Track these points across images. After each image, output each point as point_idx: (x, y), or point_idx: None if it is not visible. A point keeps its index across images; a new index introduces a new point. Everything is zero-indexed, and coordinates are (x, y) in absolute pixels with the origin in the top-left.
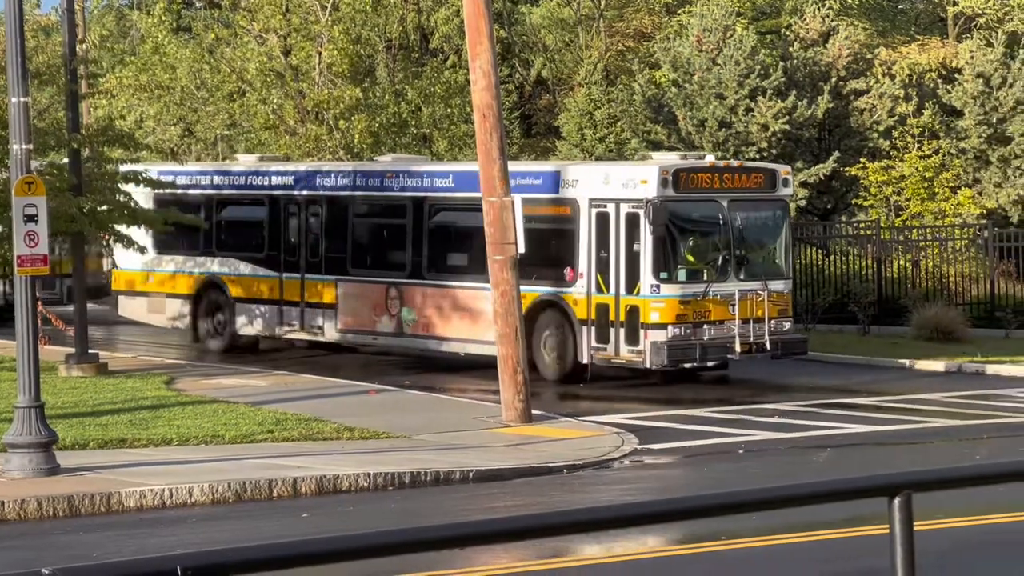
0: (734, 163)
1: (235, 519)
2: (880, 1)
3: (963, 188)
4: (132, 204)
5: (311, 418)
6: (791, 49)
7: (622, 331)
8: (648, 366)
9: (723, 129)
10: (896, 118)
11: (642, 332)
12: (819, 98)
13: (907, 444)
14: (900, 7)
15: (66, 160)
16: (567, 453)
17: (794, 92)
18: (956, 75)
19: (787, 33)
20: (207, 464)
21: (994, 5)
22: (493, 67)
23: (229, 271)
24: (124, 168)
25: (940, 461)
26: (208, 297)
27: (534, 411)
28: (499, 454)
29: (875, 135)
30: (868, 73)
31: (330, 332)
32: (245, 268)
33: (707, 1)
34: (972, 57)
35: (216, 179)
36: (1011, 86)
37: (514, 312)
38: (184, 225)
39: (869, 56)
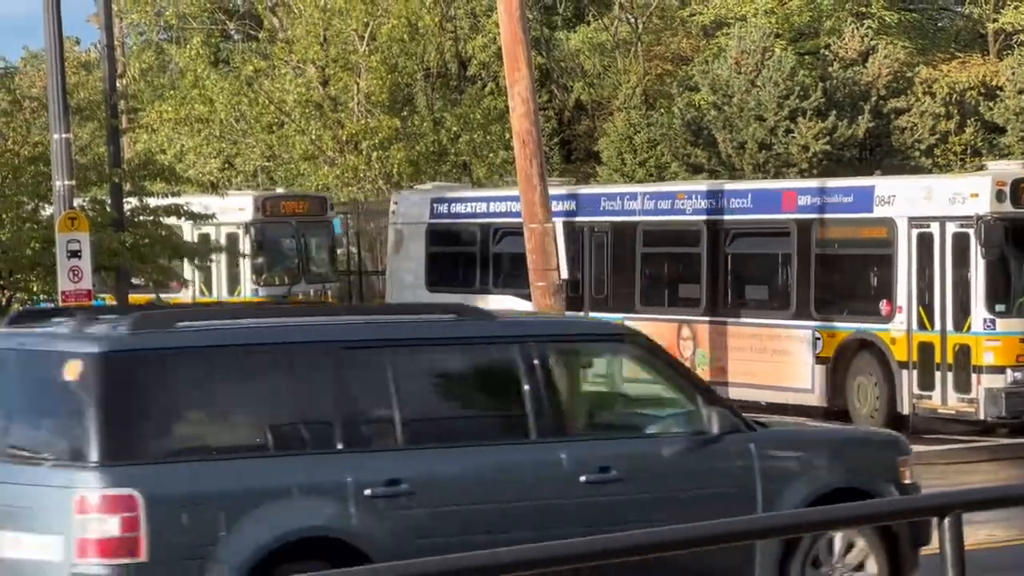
0: None
1: None
2: (919, 19)
3: None
4: (174, 237)
5: None
6: (830, 69)
7: (950, 375)
8: (982, 417)
9: (763, 151)
10: (938, 136)
11: (974, 377)
12: (860, 118)
13: None
14: (940, 25)
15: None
16: None
17: (834, 112)
18: (998, 92)
19: (826, 53)
20: None
21: None
22: (532, 93)
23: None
24: (166, 201)
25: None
26: None
27: None
28: None
29: (917, 153)
30: (908, 91)
31: None
32: (524, 306)
33: (745, 23)
34: (1013, 73)
35: (493, 206)
36: None
37: None
38: (456, 256)
39: (909, 74)
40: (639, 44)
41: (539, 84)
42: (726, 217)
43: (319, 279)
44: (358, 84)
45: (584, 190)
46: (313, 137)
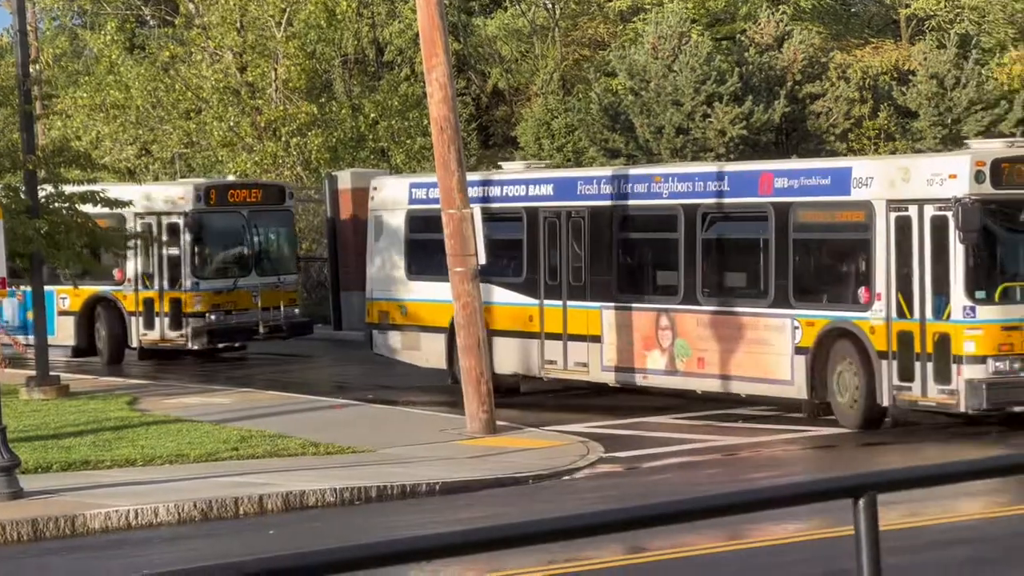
0: None
1: (202, 538)
2: (833, 5)
3: None
4: (91, 225)
5: (276, 435)
6: (746, 54)
7: (930, 366)
8: (963, 409)
9: (681, 136)
10: (852, 121)
11: (954, 367)
12: (775, 102)
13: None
14: (853, 10)
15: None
16: (533, 463)
17: (750, 97)
18: (910, 77)
19: (742, 38)
20: (172, 484)
21: (945, 7)
22: (449, 79)
23: (486, 299)
24: (80, 188)
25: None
26: None
27: (499, 422)
28: (465, 466)
29: (832, 138)
30: (823, 76)
31: (595, 370)
32: (502, 295)
33: (662, 8)
34: (925, 59)
35: (471, 191)
36: (964, 87)
37: (476, 323)
38: (438, 244)
39: (824, 59)
40: (556, 30)
41: (457, 70)
42: (703, 201)
43: (274, 271)
44: (275, 70)
45: (561, 174)
46: (231, 124)
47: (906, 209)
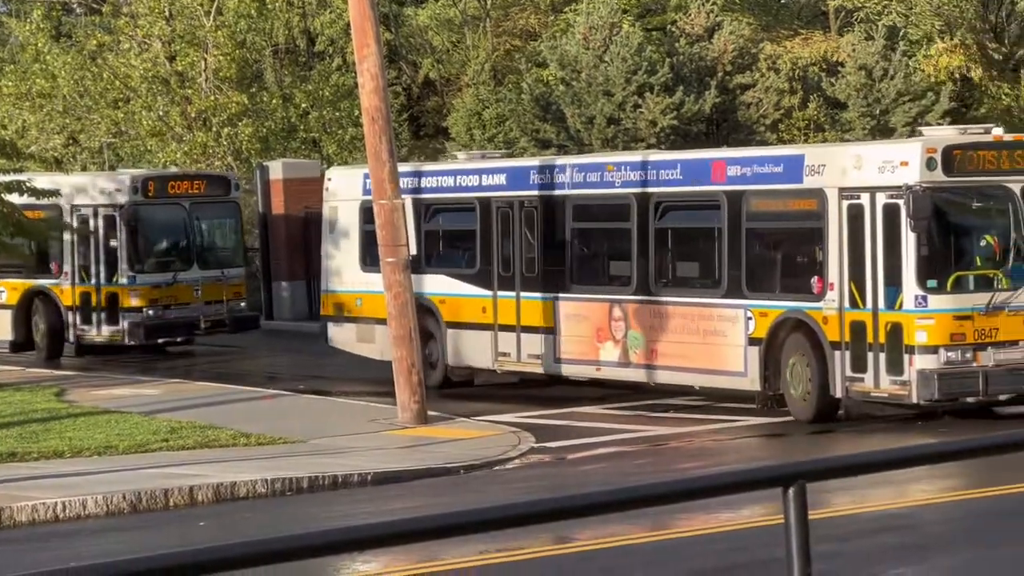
0: None
1: (131, 530)
2: None
3: None
4: (17, 215)
5: (206, 425)
6: (677, 45)
7: (882, 356)
8: (915, 400)
9: (612, 126)
10: (782, 111)
11: (906, 357)
12: (706, 93)
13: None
14: (782, 2)
15: None
16: (464, 453)
17: (681, 88)
18: (839, 68)
19: (673, 29)
20: (101, 475)
21: None
22: (381, 70)
23: (439, 291)
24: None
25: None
26: (419, 323)
27: (431, 412)
28: (396, 456)
29: (762, 128)
30: (753, 67)
31: (548, 362)
32: (456, 286)
33: None
34: (854, 50)
35: (425, 181)
36: (892, 78)
37: (407, 314)
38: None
39: (754, 50)
40: (487, 20)
41: (388, 60)
42: (656, 189)
43: (218, 265)
44: (205, 60)
45: (514, 163)
46: (160, 113)
47: (858, 197)
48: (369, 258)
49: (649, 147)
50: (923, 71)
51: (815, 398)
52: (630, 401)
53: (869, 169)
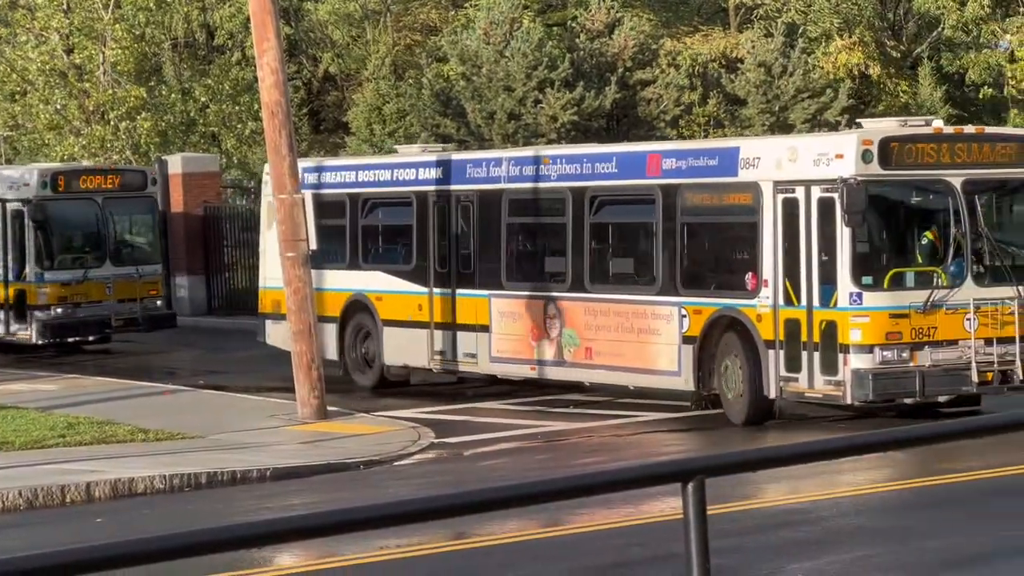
0: (969, 129)
1: (27, 526)
2: None
3: None
4: None
5: (104, 421)
6: (578, 41)
7: (816, 356)
8: (849, 401)
9: (512, 121)
10: (682, 107)
11: (840, 357)
12: (607, 89)
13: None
14: None
15: None
16: (363, 449)
17: (582, 83)
18: (738, 65)
19: (573, 25)
20: None
21: None
22: (281, 64)
23: (376, 288)
24: None
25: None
26: (355, 321)
27: (331, 407)
28: (296, 452)
29: (662, 124)
30: (654, 63)
31: (484, 362)
32: (393, 283)
33: None
34: (753, 47)
35: (362, 175)
36: (791, 75)
37: (307, 308)
38: (328, 231)
39: (654, 47)
40: (388, 15)
41: (288, 54)
42: (591, 183)
43: (132, 262)
44: (104, 53)
45: (451, 156)
46: (58, 106)
47: (793, 191)
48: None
49: (549, 142)
50: (822, 68)
51: (748, 399)
52: (530, 397)
53: (804, 162)
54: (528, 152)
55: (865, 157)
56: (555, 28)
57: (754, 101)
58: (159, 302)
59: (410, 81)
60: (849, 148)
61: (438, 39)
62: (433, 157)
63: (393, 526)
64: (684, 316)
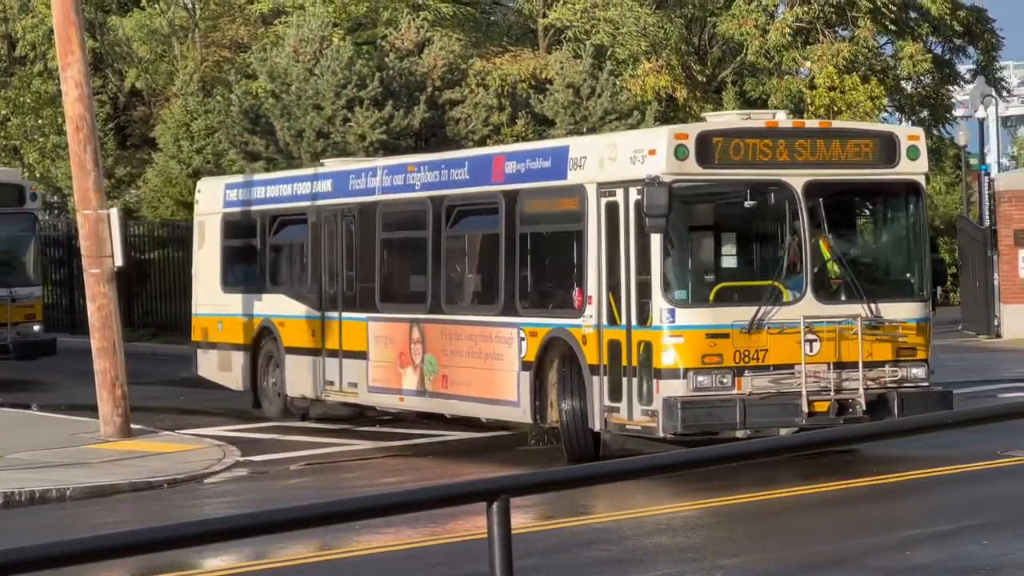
0: (812, 123)
1: None
2: (474, 12)
3: None
4: None
5: None
6: (387, 59)
7: (635, 382)
8: (661, 434)
9: (321, 139)
10: (491, 127)
11: (655, 383)
12: (416, 108)
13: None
14: (493, 19)
15: None
16: (168, 467)
17: (391, 102)
18: (547, 85)
19: (383, 43)
20: None
21: (581, 18)
22: (86, 77)
23: (279, 312)
24: None
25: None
26: (266, 348)
27: (135, 425)
28: (99, 470)
29: (471, 144)
30: (463, 83)
31: (363, 392)
32: (293, 307)
33: (303, 12)
34: (562, 68)
35: (270, 191)
36: (599, 96)
37: (111, 325)
38: (244, 251)
39: (464, 66)
40: (196, 31)
41: (93, 68)
42: (447, 192)
43: (5, 284)
44: None
45: (341, 167)
46: None
47: (614, 194)
48: (230, 277)
49: None
50: (629, 90)
51: (574, 433)
52: (335, 417)
53: (623, 160)
54: (398, 160)
55: (678, 153)
56: (365, 47)
57: (562, 122)
58: (36, 327)
59: (219, 98)
60: (661, 143)
61: (247, 56)
62: (325, 169)
63: (194, 546)
64: (523, 339)
